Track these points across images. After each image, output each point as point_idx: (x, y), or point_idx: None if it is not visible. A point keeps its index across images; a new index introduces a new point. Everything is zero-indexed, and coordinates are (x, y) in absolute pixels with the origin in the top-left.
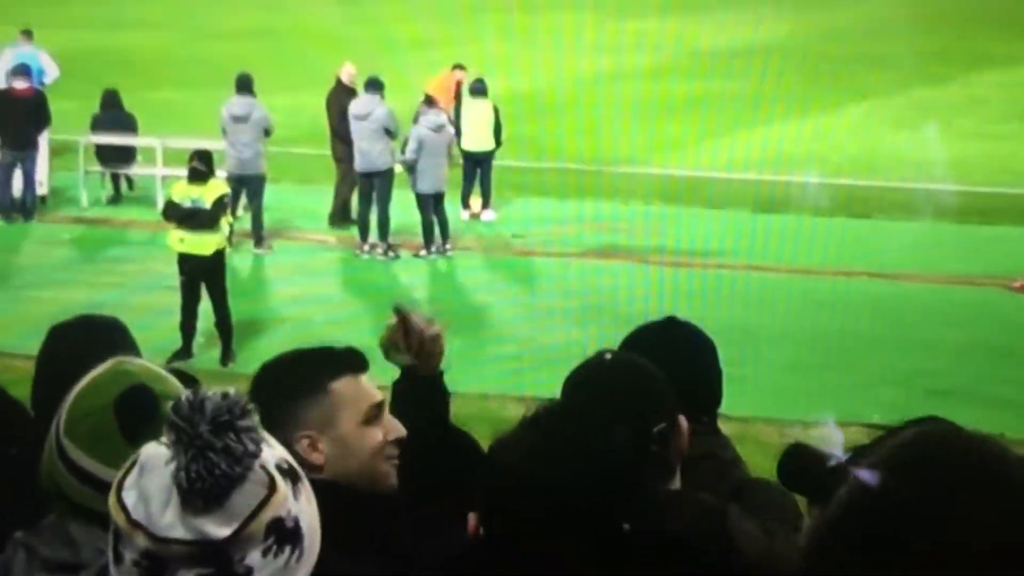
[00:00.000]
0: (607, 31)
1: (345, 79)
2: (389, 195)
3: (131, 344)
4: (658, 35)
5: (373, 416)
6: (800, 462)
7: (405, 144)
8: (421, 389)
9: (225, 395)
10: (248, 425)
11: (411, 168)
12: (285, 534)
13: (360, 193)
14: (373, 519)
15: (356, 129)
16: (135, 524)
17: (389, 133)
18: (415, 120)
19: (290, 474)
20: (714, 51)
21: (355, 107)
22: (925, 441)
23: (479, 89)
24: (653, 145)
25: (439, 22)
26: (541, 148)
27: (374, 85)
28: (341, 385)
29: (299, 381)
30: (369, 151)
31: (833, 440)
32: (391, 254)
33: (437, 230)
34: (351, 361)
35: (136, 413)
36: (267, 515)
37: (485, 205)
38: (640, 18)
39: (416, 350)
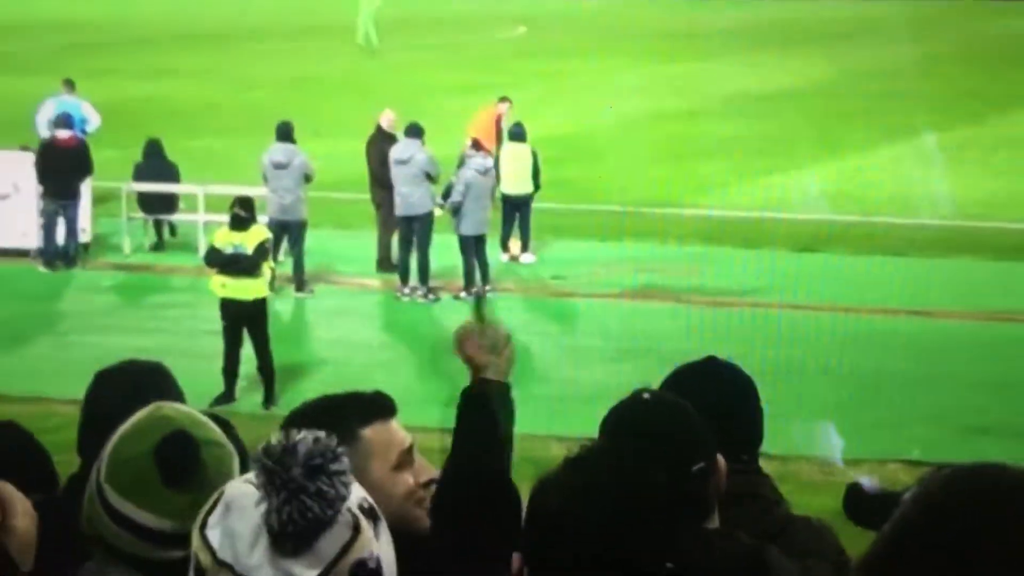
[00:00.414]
0: (643, 75)
1: (385, 125)
2: (429, 239)
3: (175, 389)
4: (693, 78)
5: (404, 461)
6: (863, 496)
7: (449, 188)
8: (492, 397)
9: (317, 439)
10: (339, 469)
11: (456, 211)
12: (367, 574)
13: (400, 237)
14: (410, 562)
15: (397, 174)
16: (222, 563)
17: (430, 177)
18: (460, 163)
19: (371, 514)
20: (747, 93)
21: (396, 152)
22: (974, 475)
23: (518, 133)
24: (690, 186)
25: (478, 69)
26: (579, 191)
27: (414, 130)
28: (371, 432)
29: (329, 429)
30: (410, 195)
31: (832, 445)
32: (431, 297)
33: (478, 272)
34: (380, 406)
35: (176, 459)
36: (352, 557)
37: (524, 248)
38: (675, 62)
39: (489, 348)
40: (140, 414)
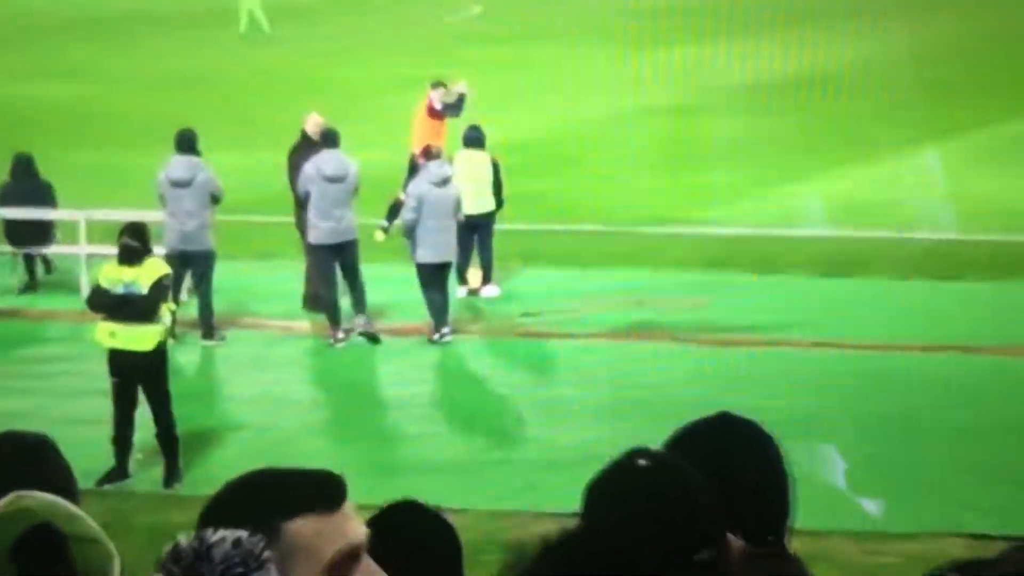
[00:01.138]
0: (626, 63)
1: (311, 131)
2: (358, 266)
3: (59, 466)
4: (687, 66)
5: (342, 565)
6: None
7: (394, 206)
8: None
9: (237, 541)
10: None
11: (410, 233)
12: None
13: (323, 270)
14: None
15: (326, 193)
16: None
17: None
18: (410, 172)
19: None
20: (756, 83)
21: (324, 166)
22: None
23: (475, 138)
24: (687, 199)
25: (424, 58)
26: (551, 207)
27: (332, 138)
28: (298, 527)
29: (248, 522)
30: (343, 218)
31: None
32: (373, 327)
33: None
34: (317, 494)
35: (37, 560)
36: None
37: (486, 279)
38: (664, 46)
39: None
40: None
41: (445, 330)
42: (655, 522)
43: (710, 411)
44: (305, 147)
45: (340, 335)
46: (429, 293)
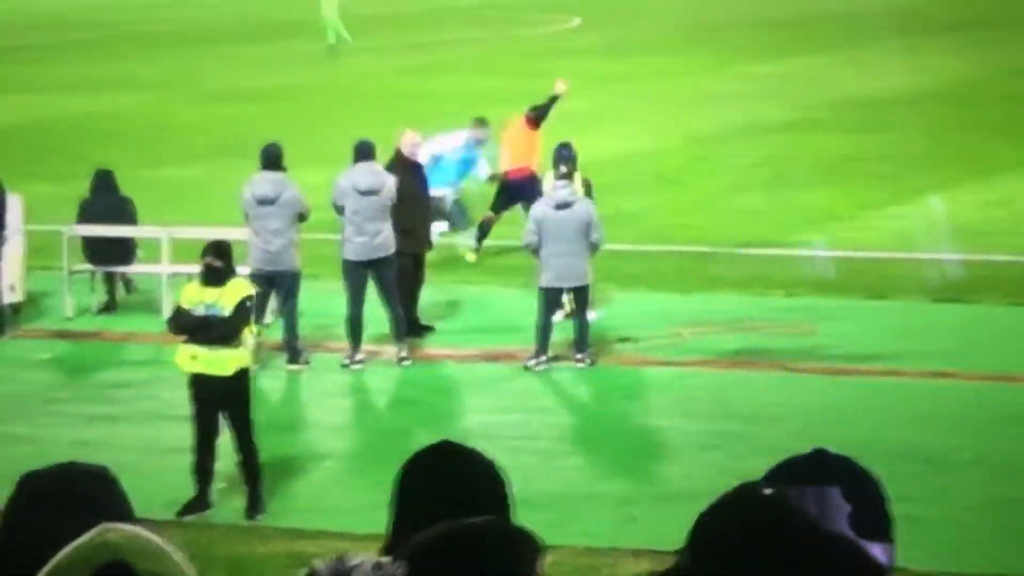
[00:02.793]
0: (730, 77)
1: (407, 151)
2: (393, 286)
3: (120, 502)
4: (793, 80)
5: None
6: None
7: (481, 225)
8: None
9: (378, 566)
10: None
11: (536, 255)
12: None
13: (355, 288)
14: None
15: (360, 206)
16: None
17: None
18: (503, 192)
19: None
20: (867, 98)
21: (360, 180)
22: None
23: (565, 156)
24: (795, 219)
25: (517, 72)
26: (651, 227)
27: (365, 151)
28: None
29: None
30: (376, 233)
31: None
32: (405, 360)
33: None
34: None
35: None
36: None
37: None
38: (770, 60)
39: None
40: (84, 538)
41: (541, 358)
42: (776, 562)
43: (819, 444)
44: (401, 167)
45: (359, 356)
46: (545, 319)
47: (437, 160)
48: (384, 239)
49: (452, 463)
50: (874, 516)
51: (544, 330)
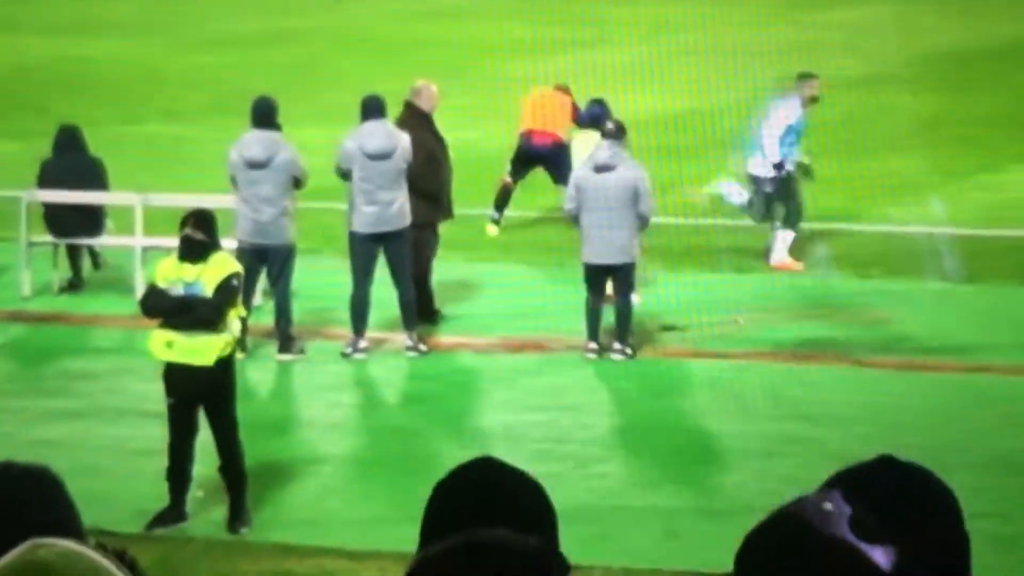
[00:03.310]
0: (789, 24)
1: (425, 104)
2: (407, 264)
3: (61, 509)
4: (871, 29)
5: None
6: None
7: (500, 193)
8: None
9: None
10: None
11: (575, 224)
12: None
13: (362, 264)
14: None
15: (371, 172)
16: None
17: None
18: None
19: None
20: (955, 51)
21: (366, 141)
22: None
23: (597, 115)
24: (867, 189)
25: (540, 16)
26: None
27: (375, 107)
28: None
29: None
30: (391, 203)
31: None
32: (421, 348)
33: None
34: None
35: None
36: None
37: None
38: (842, 5)
39: None
40: (10, 556)
41: (592, 345)
42: None
43: (893, 449)
44: (415, 123)
45: (362, 344)
46: (587, 300)
47: (790, 131)
48: (398, 209)
49: (498, 483)
50: (949, 533)
51: (590, 314)
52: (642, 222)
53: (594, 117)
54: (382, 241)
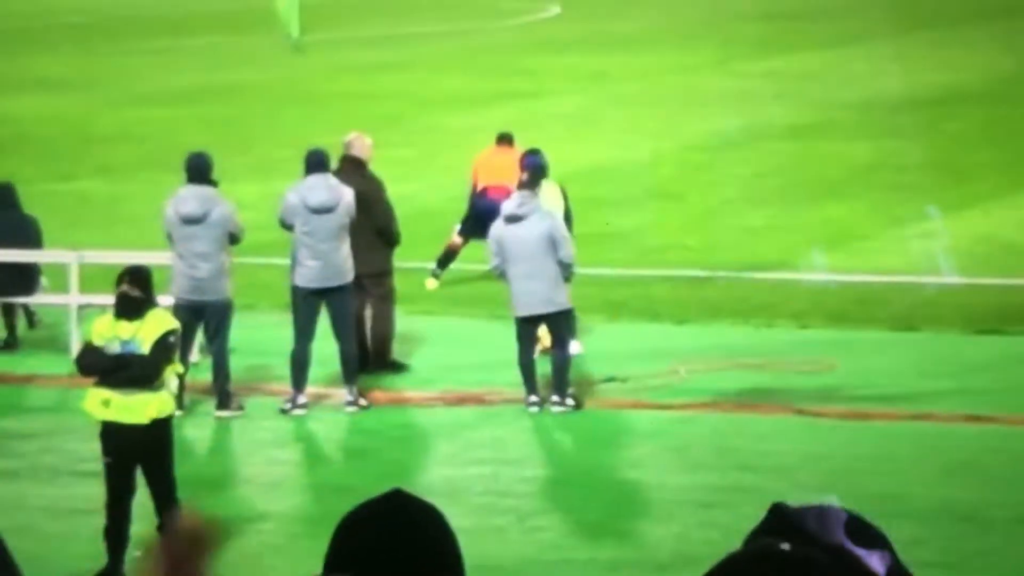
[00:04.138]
0: (735, 74)
1: (359, 153)
2: (349, 319)
3: (5, 569)
4: (809, 78)
5: None
6: None
7: (446, 250)
8: None
9: None
10: None
11: (503, 280)
12: None
13: (303, 322)
14: None
15: (313, 226)
16: None
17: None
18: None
19: None
20: (891, 99)
21: (311, 196)
22: None
23: (528, 164)
24: (809, 238)
25: (482, 68)
26: (642, 248)
27: (318, 162)
28: None
29: None
30: (333, 259)
31: None
32: (360, 403)
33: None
34: None
35: None
36: None
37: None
38: (779, 54)
39: None
40: None
41: (532, 399)
42: None
43: (839, 497)
44: (352, 172)
45: (301, 400)
46: (521, 355)
47: None
48: (341, 264)
49: (402, 518)
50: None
51: (523, 367)
52: (564, 269)
53: (534, 166)
54: (324, 296)
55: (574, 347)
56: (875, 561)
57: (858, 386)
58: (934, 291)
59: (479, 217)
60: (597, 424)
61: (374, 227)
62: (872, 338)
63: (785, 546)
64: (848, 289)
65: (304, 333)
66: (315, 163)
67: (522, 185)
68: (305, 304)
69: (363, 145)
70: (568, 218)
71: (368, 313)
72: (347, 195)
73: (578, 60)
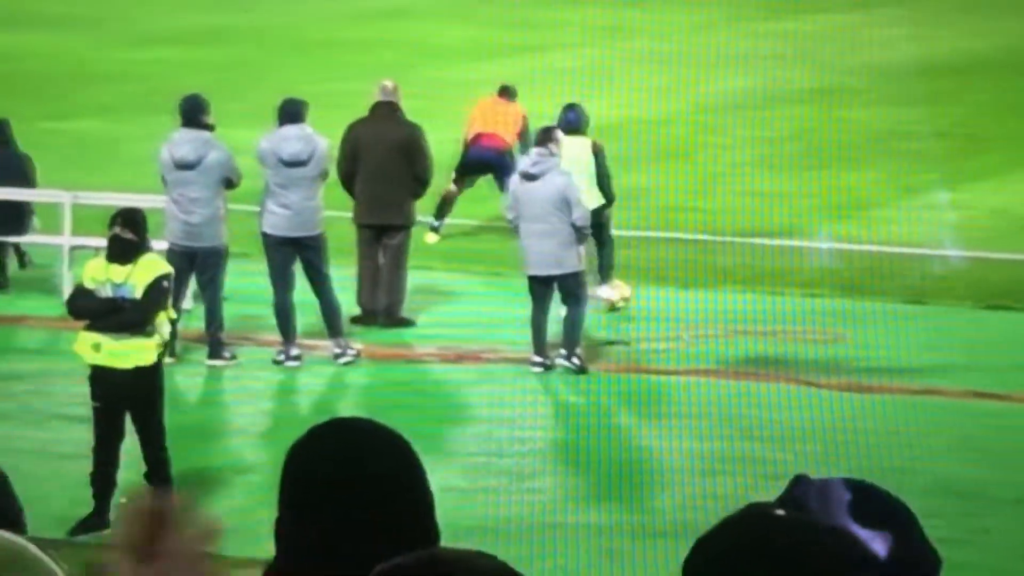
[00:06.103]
0: (748, 34)
1: (395, 98)
2: (322, 271)
3: (10, 504)
4: (829, 39)
5: None
6: None
7: (442, 201)
8: None
9: None
10: None
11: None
12: None
13: (277, 269)
14: None
15: (285, 177)
16: None
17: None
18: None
19: None
20: (914, 64)
21: (284, 147)
22: None
23: (573, 120)
24: (821, 206)
25: (493, 18)
26: (649, 209)
27: (294, 112)
28: None
29: None
30: (304, 208)
31: None
32: (351, 353)
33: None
34: None
35: None
36: None
37: (604, 279)
38: (800, 15)
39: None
40: None
41: (536, 359)
42: None
43: (842, 470)
44: (387, 118)
45: (293, 352)
46: (533, 313)
47: None
48: (311, 215)
49: (349, 440)
50: (909, 557)
51: (533, 325)
52: (577, 232)
53: (569, 122)
54: (295, 246)
55: (608, 291)
56: (877, 543)
57: (866, 358)
58: (945, 264)
59: (466, 165)
60: (598, 387)
61: (413, 174)
62: (881, 309)
63: (780, 512)
64: (858, 259)
65: (281, 282)
66: (290, 113)
67: (537, 142)
68: (277, 253)
69: (398, 91)
70: (604, 176)
71: (381, 263)
72: (321, 146)
73: (591, 14)
